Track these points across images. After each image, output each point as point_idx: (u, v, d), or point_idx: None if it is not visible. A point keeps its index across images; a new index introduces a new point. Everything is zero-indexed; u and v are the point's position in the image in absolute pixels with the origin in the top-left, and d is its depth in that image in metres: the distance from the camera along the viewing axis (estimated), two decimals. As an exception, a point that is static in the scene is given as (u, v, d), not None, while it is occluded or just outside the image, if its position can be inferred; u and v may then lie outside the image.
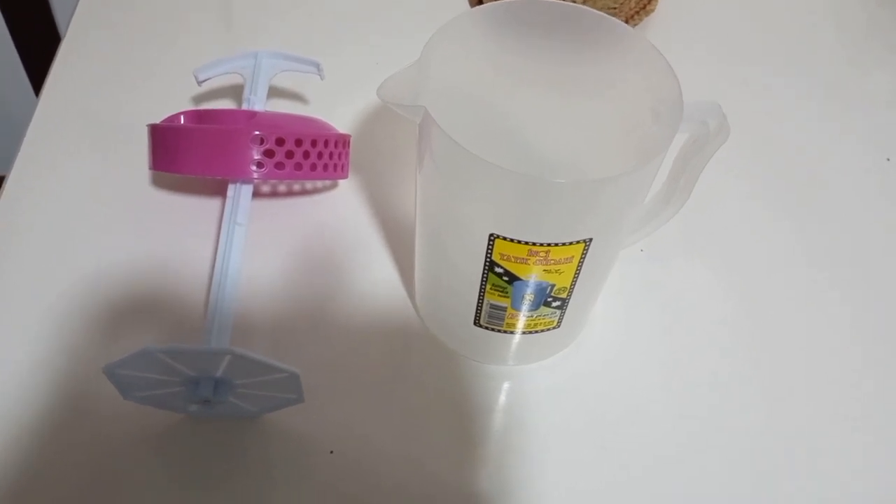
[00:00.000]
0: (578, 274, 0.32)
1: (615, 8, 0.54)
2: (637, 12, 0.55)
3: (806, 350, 0.41)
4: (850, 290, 0.43)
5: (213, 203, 0.43)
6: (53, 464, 0.35)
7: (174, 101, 0.48)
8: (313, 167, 0.39)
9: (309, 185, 0.45)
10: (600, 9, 0.54)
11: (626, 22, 0.54)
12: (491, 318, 0.35)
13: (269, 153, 0.37)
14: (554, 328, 0.36)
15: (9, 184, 0.44)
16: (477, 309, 0.35)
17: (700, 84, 0.50)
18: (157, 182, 0.44)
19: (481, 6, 0.34)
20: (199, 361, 0.31)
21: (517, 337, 0.37)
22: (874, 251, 0.45)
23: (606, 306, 0.41)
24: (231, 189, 0.39)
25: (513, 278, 0.32)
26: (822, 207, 0.47)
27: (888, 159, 0.50)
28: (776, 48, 0.57)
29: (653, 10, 0.55)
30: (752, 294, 0.43)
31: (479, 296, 0.34)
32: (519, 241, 0.30)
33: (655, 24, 0.56)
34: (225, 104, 0.48)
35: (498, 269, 0.32)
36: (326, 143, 0.39)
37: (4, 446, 0.35)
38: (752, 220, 0.46)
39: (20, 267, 0.41)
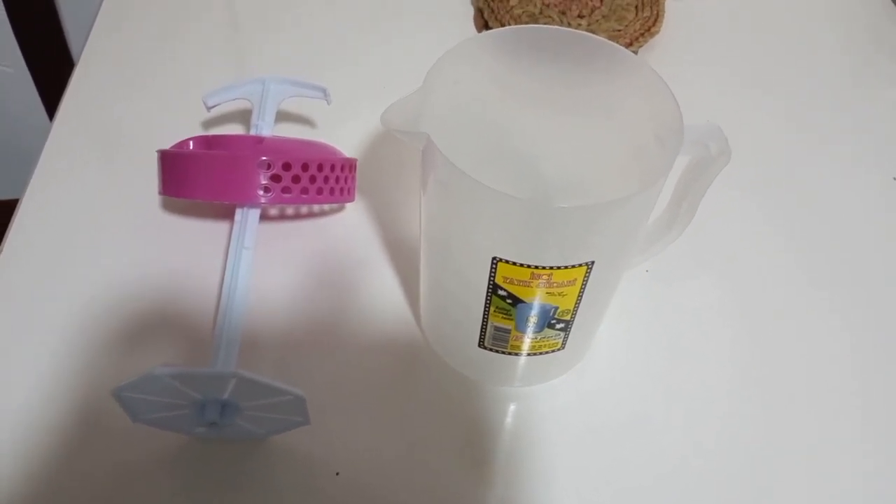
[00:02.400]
0: (582, 296, 0.33)
1: (620, 30, 0.55)
2: (642, 34, 0.55)
3: (811, 368, 0.41)
4: (856, 310, 0.43)
5: (221, 225, 0.44)
6: (63, 484, 0.35)
7: (184, 126, 0.49)
8: (320, 191, 0.39)
9: (316, 207, 0.45)
10: (605, 31, 0.55)
11: (631, 44, 0.54)
12: (495, 340, 0.36)
13: (275, 178, 0.38)
14: (559, 350, 0.36)
15: (22, 206, 0.45)
16: (481, 331, 0.35)
17: (705, 104, 0.51)
18: (167, 205, 0.45)
19: (487, 32, 0.34)
20: (205, 384, 0.32)
21: (522, 359, 0.37)
22: (879, 270, 0.45)
23: (611, 326, 0.41)
24: (239, 213, 0.39)
25: (516, 301, 0.33)
26: (827, 227, 0.47)
27: (895, 178, 0.50)
28: (780, 68, 0.57)
29: (657, 32, 0.56)
30: (758, 313, 0.43)
31: (483, 318, 0.34)
32: (522, 265, 0.31)
33: (660, 46, 0.57)
34: (233, 128, 0.49)
35: (501, 292, 0.32)
36: (333, 168, 0.40)
37: (15, 466, 0.35)
38: (757, 240, 0.46)
39: (31, 287, 0.41)
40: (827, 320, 0.43)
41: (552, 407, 0.39)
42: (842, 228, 0.47)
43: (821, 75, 0.57)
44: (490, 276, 0.32)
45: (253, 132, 0.43)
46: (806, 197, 0.49)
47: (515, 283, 0.32)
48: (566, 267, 0.31)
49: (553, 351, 0.36)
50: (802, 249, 0.46)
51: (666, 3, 0.58)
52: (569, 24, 0.55)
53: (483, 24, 0.57)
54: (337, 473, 0.36)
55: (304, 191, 0.39)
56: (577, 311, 0.34)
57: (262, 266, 0.41)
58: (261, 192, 0.38)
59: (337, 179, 0.40)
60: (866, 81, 0.57)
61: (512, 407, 0.39)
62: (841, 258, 0.46)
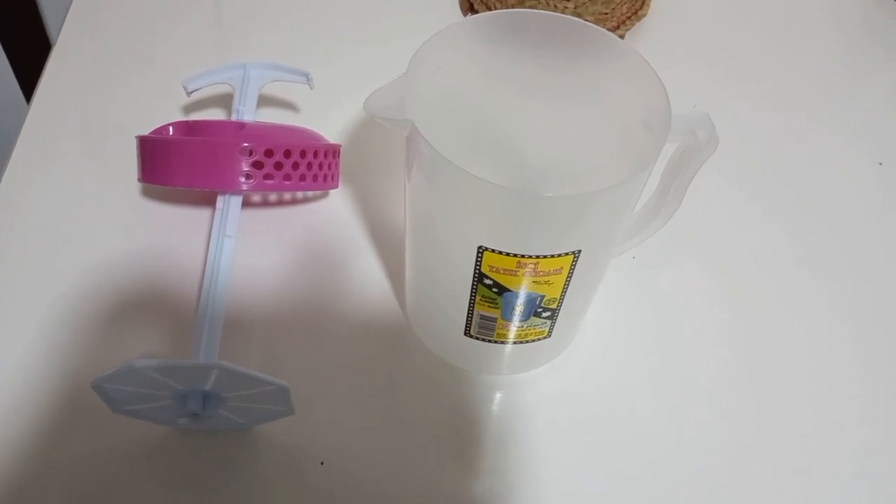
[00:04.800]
0: (568, 285, 0.32)
1: (607, 13, 0.54)
2: (629, 17, 0.55)
3: (799, 354, 0.41)
4: (843, 295, 0.43)
5: (203, 212, 0.43)
6: (43, 476, 0.34)
7: (164, 111, 0.48)
8: (302, 178, 0.39)
9: (300, 194, 0.45)
10: (592, 14, 0.54)
11: (618, 27, 0.54)
12: (481, 329, 0.35)
13: (257, 165, 0.37)
14: (545, 338, 0.36)
15: (-1, 193, 0.44)
16: (467, 320, 0.35)
17: (692, 89, 0.50)
18: (147, 192, 0.44)
19: (472, 16, 0.34)
20: (187, 376, 0.31)
21: (508, 347, 0.37)
22: (866, 255, 0.45)
23: (598, 313, 0.40)
24: (220, 201, 0.39)
25: (502, 290, 0.32)
26: (814, 212, 0.47)
27: (880, 163, 0.50)
28: (768, 53, 0.57)
29: (644, 16, 0.55)
30: (745, 300, 0.43)
31: (469, 307, 0.34)
32: (507, 254, 0.30)
33: (647, 30, 0.56)
34: (214, 114, 0.48)
35: (487, 281, 0.32)
36: (316, 154, 0.39)
37: (-6, 460, 0.35)
38: (744, 226, 0.46)
39: (9, 276, 0.40)
40: (816, 306, 0.43)
41: (539, 395, 0.38)
42: (830, 215, 0.47)
43: (810, 60, 0.57)
44: (476, 265, 0.31)
45: (234, 118, 0.42)
46: (794, 183, 0.49)
47: (501, 272, 0.31)
48: (553, 256, 0.30)
49: (539, 339, 0.36)
50: (790, 236, 0.46)
51: (653, -14, 0.58)
52: (555, 7, 0.55)
53: (468, 6, 0.56)
54: (322, 463, 0.36)
55: (287, 177, 0.38)
56: (563, 299, 0.33)
57: (244, 253, 0.41)
58: (242, 179, 0.37)
59: (320, 166, 0.40)
60: (856, 67, 0.57)
61: (498, 395, 0.39)
62: (829, 244, 0.46)
